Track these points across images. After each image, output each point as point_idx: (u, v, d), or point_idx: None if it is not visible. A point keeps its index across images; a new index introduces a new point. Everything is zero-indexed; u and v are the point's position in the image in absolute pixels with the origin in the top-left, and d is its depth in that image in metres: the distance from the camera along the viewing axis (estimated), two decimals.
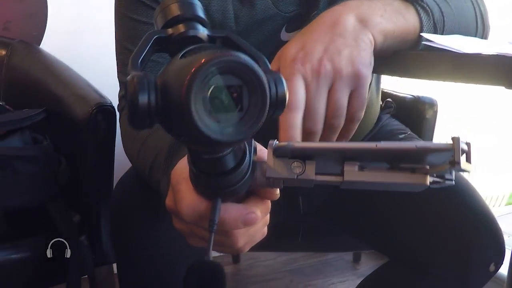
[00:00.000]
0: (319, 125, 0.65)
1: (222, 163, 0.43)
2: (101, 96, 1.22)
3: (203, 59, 0.33)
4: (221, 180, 0.44)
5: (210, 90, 0.34)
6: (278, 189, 0.51)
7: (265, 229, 0.56)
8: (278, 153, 0.46)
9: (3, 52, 1.50)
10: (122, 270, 0.91)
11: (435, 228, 0.92)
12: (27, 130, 1.17)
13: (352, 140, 1.07)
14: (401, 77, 0.78)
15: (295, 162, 0.46)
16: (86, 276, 1.20)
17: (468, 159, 0.43)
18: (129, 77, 0.35)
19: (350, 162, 0.45)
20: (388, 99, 1.25)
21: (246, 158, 0.45)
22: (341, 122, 0.67)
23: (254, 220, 0.48)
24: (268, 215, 0.54)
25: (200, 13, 0.42)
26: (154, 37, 0.41)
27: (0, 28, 1.68)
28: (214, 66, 0.33)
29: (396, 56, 0.74)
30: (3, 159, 1.05)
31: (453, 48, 0.64)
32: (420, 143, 0.42)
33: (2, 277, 1.04)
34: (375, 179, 0.45)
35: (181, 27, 0.41)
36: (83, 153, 1.20)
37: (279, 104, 0.39)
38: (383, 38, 0.70)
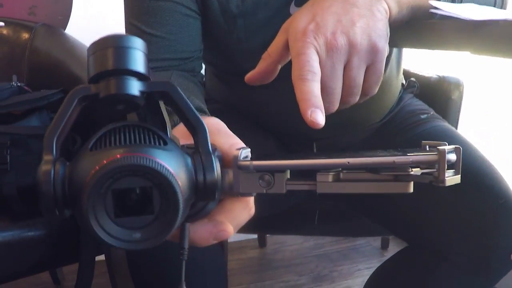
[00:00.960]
0: (335, 105, 0.61)
1: None
2: None
3: (97, 167, 0.31)
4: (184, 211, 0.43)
5: (113, 194, 0.32)
6: None
7: (252, 211, 0.53)
8: (244, 170, 0.42)
9: (27, 36, 1.52)
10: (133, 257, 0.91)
11: (455, 214, 0.88)
12: (45, 110, 1.18)
13: (372, 116, 1.05)
14: (412, 48, 0.73)
15: (263, 176, 0.42)
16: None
17: (457, 170, 0.39)
18: (41, 163, 0.34)
19: (323, 172, 0.41)
20: (412, 79, 1.20)
21: None
22: (356, 99, 0.63)
23: (225, 236, 0.45)
24: (251, 201, 0.51)
25: (134, 63, 0.36)
26: (78, 98, 0.36)
27: (26, 13, 1.70)
28: (112, 174, 0.31)
29: (408, 26, 0.70)
30: (18, 138, 1.06)
31: (461, 16, 0.60)
32: (399, 158, 0.37)
33: (17, 255, 1.05)
34: (352, 190, 0.41)
35: (108, 85, 0.36)
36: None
37: (208, 193, 0.37)
38: (398, 8, 0.67)
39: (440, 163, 0.37)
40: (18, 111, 1.13)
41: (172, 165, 0.34)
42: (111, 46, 0.36)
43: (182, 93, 0.38)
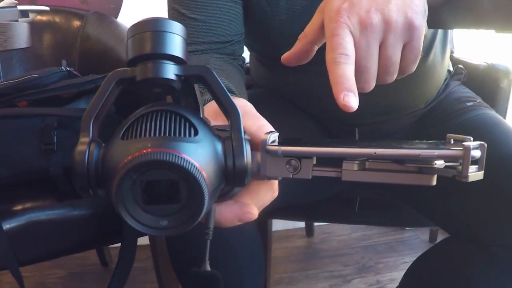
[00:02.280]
0: (371, 84, 0.59)
1: None
2: None
3: (126, 160, 0.32)
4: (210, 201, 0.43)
5: (141, 184, 0.34)
6: None
7: (276, 193, 0.51)
8: (271, 154, 0.43)
9: (79, 23, 1.56)
10: (173, 244, 0.92)
11: (497, 205, 0.86)
12: (93, 94, 1.21)
13: (416, 102, 1.03)
14: (452, 28, 0.71)
15: (290, 161, 0.43)
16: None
17: (480, 166, 0.39)
18: (78, 143, 0.36)
19: (349, 161, 0.41)
20: (459, 65, 1.17)
21: None
22: (394, 77, 0.61)
23: (250, 218, 0.45)
24: (276, 184, 0.50)
25: (171, 47, 0.37)
26: (116, 80, 0.37)
27: (79, 1, 1.75)
28: (140, 167, 0.32)
29: (447, 5, 0.68)
30: (65, 119, 1.09)
31: None
32: (425, 151, 0.37)
33: (62, 233, 1.09)
34: (376, 179, 0.41)
35: (146, 69, 0.36)
36: None
37: (238, 178, 0.37)
38: None
39: (464, 158, 0.36)
40: (66, 94, 1.17)
41: (200, 157, 0.34)
42: (148, 29, 0.36)
43: (217, 77, 0.38)
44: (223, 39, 0.88)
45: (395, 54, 0.58)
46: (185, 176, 0.33)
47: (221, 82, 0.38)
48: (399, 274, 1.83)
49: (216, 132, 0.39)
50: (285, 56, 0.64)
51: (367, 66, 0.57)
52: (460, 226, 0.93)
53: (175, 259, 0.91)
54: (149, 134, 0.35)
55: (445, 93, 1.10)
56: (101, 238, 1.19)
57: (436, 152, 0.37)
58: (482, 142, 0.38)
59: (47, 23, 1.56)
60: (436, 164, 0.38)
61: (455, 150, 0.37)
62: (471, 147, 0.36)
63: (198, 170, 0.33)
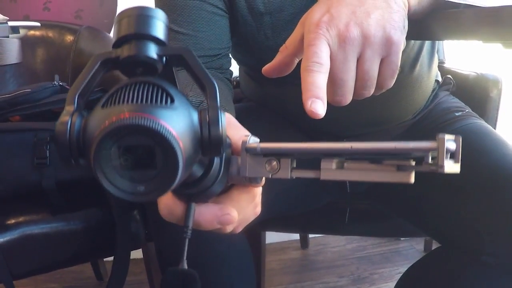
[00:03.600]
0: (348, 98, 0.60)
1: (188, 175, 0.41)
2: None
3: (105, 127, 0.33)
4: (191, 189, 0.44)
5: (118, 150, 0.34)
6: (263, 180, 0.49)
7: (258, 209, 0.53)
8: (251, 152, 0.44)
9: (72, 38, 1.58)
10: (159, 243, 0.93)
11: (487, 214, 0.86)
12: (85, 109, 1.22)
13: (403, 114, 1.04)
14: (434, 40, 0.72)
15: (270, 161, 0.44)
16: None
17: (456, 159, 0.39)
18: (61, 113, 0.36)
19: (328, 158, 0.42)
20: (448, 76, 1.18)
21: (215, 162, 0.44)
22: (371, 92, 0.61)
23: (229, 221, 0.46)
24: (258, 198, 0.52)
25: (154, 29, 0.38)
26: (101, 60, 0.39)
27: (72, 16, 1.76)
28: (116, 132, 0.33)
29: (428, 17, 0.69)
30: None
31: (479, 3, 0.59)
32: (400, 144, 0.38)
33: (55, 246, 1.09)
34: (355, 178, 0.41)
35: (129, 48, 0.38)
36: None
37: (214, 145, 0.38)
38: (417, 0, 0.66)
39: (439, 149, 0.37)
40: (59, 109, 1.18)
41: (175, 124, 0.35)
42: (133, 14, 0.38)
43: (196, 57, 0.39)
44: (211, 52, 0.90)
45: (372, 69, 0.59)
46: (160, 142, 0.34)
47: (200, 62, 0.40)
48: (394, 285, 1.80)
49: (193, 105, 0.40)
50: (266, 68, 0.65)
51: (344, 79, 0.58)
52: (451, 236, 0.93)
53: (164, 266, 0.91)
54: (127, 102, 0.36)
55: (434, 103, 1.11)
56: (94, 251, 1.19)
57: (411, 144, 0.38)
58: (458, 135, 0.38)
59: (40, 38, 1.58)
60: (413, 163, 0.39)
61: (430, 142, 0.37)
62: (446, 138, 0.37)
63: (173, 135, 0.34)
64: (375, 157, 0.41)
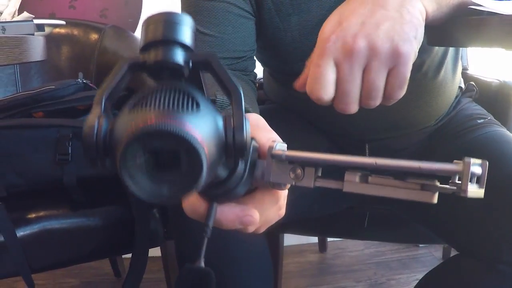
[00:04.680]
0: (351, 107, 0.62)
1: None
2: None
3: (133, 132, 0.34)
4: (215, 189, 0.44)
5: (144, 153, 0.35)
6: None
7: (282, 211, 0.53)
8: (276, 159, 0.45)
9: (96, 36, 1.59)
10: (179, 241, 0.93)
11: (505, 223, 0.85)
12: None
13: (426, 119, 1.03)
14: (456, 46, 0.72)
15: (295, 168, 0.45)
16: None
17: (481, 184, 0.39)
18: (89, 115, 0.37)
19: (351, 171, 0.42)
20: (471, 82, 1.17)
21: (240, 165, 0.44)
22: (377, 102, 0.62)
23: (251, 222, 0.47)
24: (282, 200, 0.52)
25: (181, 35, 0.39)
26: (128, 64, 0.40)
27: (97, 15, 1.78)
28: (143, 137, 0.34)
29: (449, 24, 0.69)
30: (80, 131, 1.11)
31: (498, 11, 0.58)
32: (425, 164, 0.38)
33: (75, 242, 1.10)
34: (377, 193, 0.42)
35: (156, 53, 0.39)
36: None
37: (238, 150, 0.38)
38: (436, 5, 0.65)
39: (464, 173, 0.37)
40: (82, 106, 1.19)
41: (200, 129, 0.36)
42: (161, 20, 0.39)
43: (222, 64, 0.40)
44: (236, 55, 0.90)
45: (378, 79, 0.60)
46: (185, 146, 0.34)
47: (225, 68, 0.40)
48: None
49: (219, 111, 0.41)
50: (298, 83, 0.66)
51: (348, 89, 0.60)
52: (468, 243, 0.92)
53: (183, 265, 0.91)
54: (154, 107, 0.36)
55: (456, 110, 1.10)
56: (113, 248, 1.20)
57: (436, 165, 0.38)
58: (485, 160, 0.39)
59: (65, 36, 1.60)
60: (437, 183, 0.39)
61: (455, 165, 0.37)
62: (471, 162, 0.37)
63: (198, 141, 0.34)
64: (400, 174, 0.41)
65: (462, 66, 1.29)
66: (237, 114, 0.39)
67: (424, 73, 0.96)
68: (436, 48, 0.96)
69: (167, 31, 0.38)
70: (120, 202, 1.16)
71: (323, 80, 0.60)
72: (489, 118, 1.08)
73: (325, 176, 0.44)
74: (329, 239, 2.23)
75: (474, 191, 0.38)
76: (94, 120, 0.37)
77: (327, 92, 0.60)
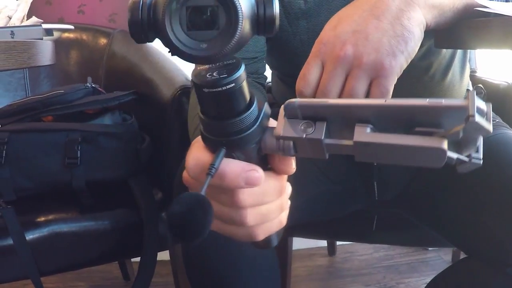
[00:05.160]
0: None
1: (226, 103, 0.44)
2: (186, 79, 1.28)
3: None
4: (224, 124, 0.45)
5: (187, 10, 0.39)
6: (294, 163, 0.50)
7: (283, 217, 0.52)
8: (288, 112, 0.46)
9: (105, 41, 1.60)
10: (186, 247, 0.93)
11: None
12: (117, 111, 1.25)
13: None
14: (462, 49, 0.72)
15: (305, 123, 0.45)
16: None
17: (487, 119, 0.39)
18: None
19: (362, 124, 0.43)
20: (479, 85, 1.17)
21: (253, 107, 0.45)
22: None
23: (256, 180, 0.46)
24: (285, 197, 0.52)
25: None
26: None
27: (106, 20, 1.79)
28: None
29: (454, 26, 0.68)
30: (89, 135, 1.12)
31: (506, 12, 0.58)
32: (433, 101, 0.39)
33: (83, 245, 1.11)
34: (387, 140, 0.42)
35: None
36: (167, 133, 1.25)
37: (268, 24, 0.41)
38: (437, 12, 0.65)
39: (469, 101, 0.37)
40: (91, 110, 1.20)
41: None
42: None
43: None
44: (249, 55, 0.91)
45: (358, 87, 0.62)
46: (224, 1, 0.38)
47: None
48: None
49: None
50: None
51: (327, 89, 0.62)
52: (476, 246, 0.92)
53: (192, 275, 0.92)
54: None
55: None
56: (121, 251, 1.20)
57: (444, 102, 0.39)
58: (489, 103, 0.40)
59: (74, 40, 1.61)
60: (444, 129, 0.40)
61: (461, 100, 0.38)
62: (476, 96, 0.38)
63: None
64: (409, 120, 0.41)
65: (471, 69, 1.29)
66: None
67: (432, 75, 0.96)
68: (444, 50, 0.96)
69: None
70: (129, 206, 1.17)
71: (308, 77, 0.63)
72: (497, 120, 1.08)
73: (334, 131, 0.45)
74: (338, 243, 2.22)
75: (483, 121, 0.38)
76: None
77: (308, 88, 0.64)
